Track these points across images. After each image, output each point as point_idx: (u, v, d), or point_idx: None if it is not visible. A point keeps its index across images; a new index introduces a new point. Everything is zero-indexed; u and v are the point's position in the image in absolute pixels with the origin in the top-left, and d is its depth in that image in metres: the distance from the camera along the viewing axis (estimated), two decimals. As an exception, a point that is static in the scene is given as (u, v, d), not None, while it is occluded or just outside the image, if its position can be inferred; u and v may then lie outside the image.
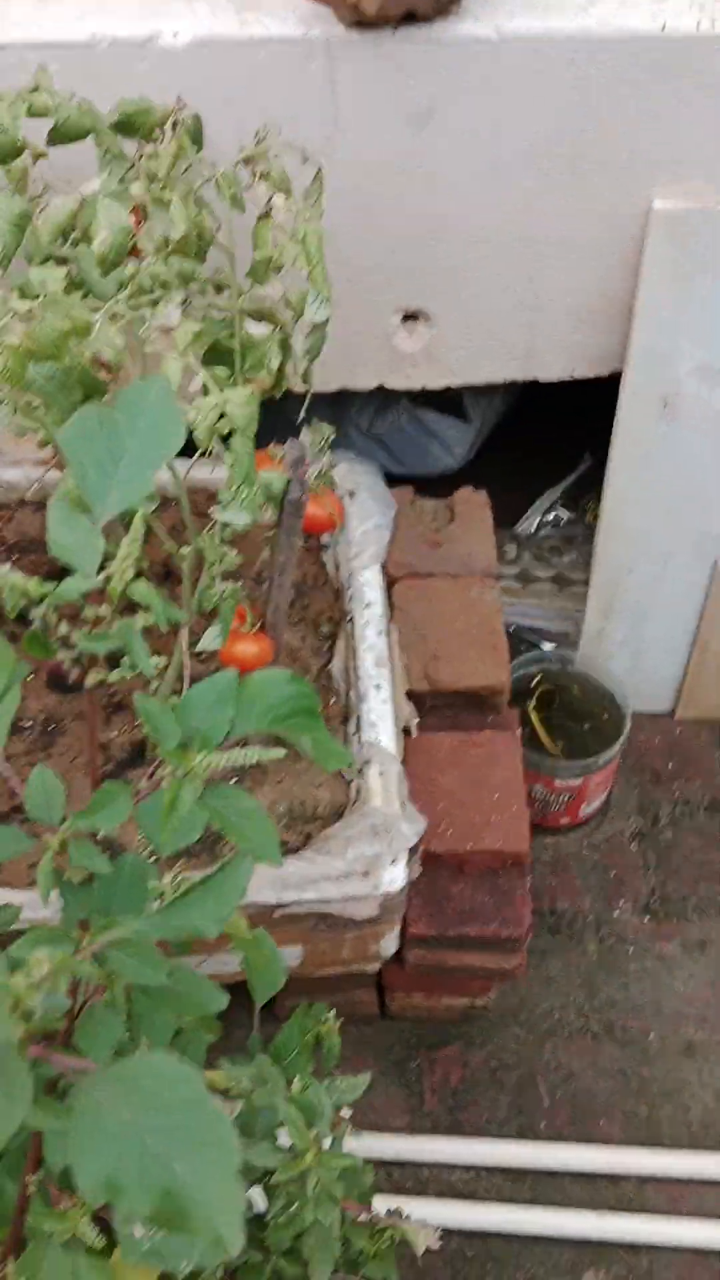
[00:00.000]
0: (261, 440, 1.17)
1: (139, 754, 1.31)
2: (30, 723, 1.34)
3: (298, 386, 1.12)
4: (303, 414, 1.19)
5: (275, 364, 1.04)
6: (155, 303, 0.89)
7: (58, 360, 0.72)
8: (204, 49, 1.14)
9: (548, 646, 1.93)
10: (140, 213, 0.96)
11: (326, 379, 1.53)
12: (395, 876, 1.19)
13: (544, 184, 1.28)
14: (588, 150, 1.25)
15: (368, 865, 1.19)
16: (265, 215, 1.05)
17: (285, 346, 1.07)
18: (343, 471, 1.55)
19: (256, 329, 1.03)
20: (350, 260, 1.34)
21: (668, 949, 1.71)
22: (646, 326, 1.37)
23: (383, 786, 1.25)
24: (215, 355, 1.05)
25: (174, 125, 1.18)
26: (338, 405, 1.76)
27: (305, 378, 1.14)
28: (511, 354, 1.49)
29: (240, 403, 0.74)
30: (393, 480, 1.64)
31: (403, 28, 1.13)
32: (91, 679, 1.16)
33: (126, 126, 1.17)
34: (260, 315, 1.04)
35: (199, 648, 1.00)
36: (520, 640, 2.01)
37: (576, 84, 1.19)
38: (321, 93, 1.18)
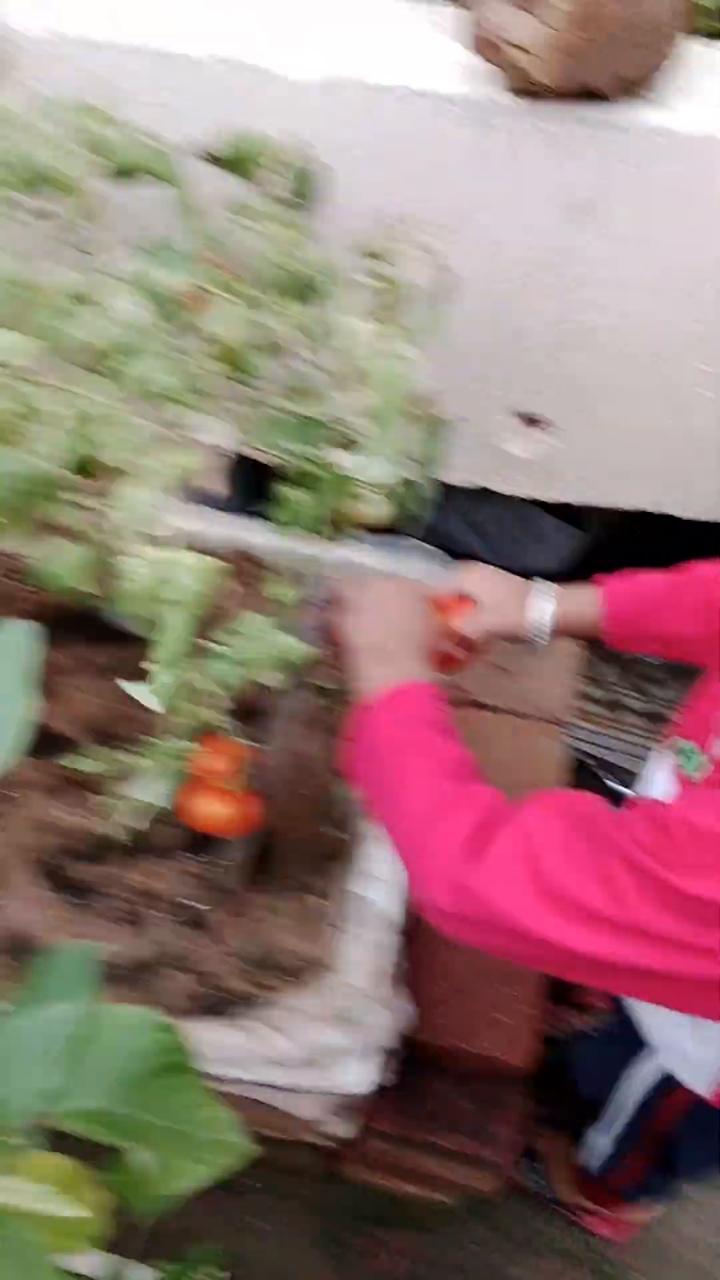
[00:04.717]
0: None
1: (100, 852, 1.13)
2: None
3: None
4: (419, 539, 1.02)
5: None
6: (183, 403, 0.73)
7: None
8: (343, 91, 0.97)
9: (619, 788, 1.71)
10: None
11: (424, 467, 1.35)
12: (360, 1079, 1.01)
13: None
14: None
15: (325, 1056, 1.01)
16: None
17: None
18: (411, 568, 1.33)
19: (343, 458, 0.84)
20: (467, 349, 1.16)
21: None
22: None
23: (369, 961, 1.07)
24: (303, 479, 0.86)
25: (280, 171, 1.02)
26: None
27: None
28: (645, 485, 1.28)
29: (192, 571, 0.57)
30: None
31: (577, 104, 0.94)
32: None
33: (235, 164, 1.01)
34: (339, 435, 0.85)
35: (129, 793, 0.84)
36: (587, 775, 1.80)
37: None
38: (470, 162, 1.00)
